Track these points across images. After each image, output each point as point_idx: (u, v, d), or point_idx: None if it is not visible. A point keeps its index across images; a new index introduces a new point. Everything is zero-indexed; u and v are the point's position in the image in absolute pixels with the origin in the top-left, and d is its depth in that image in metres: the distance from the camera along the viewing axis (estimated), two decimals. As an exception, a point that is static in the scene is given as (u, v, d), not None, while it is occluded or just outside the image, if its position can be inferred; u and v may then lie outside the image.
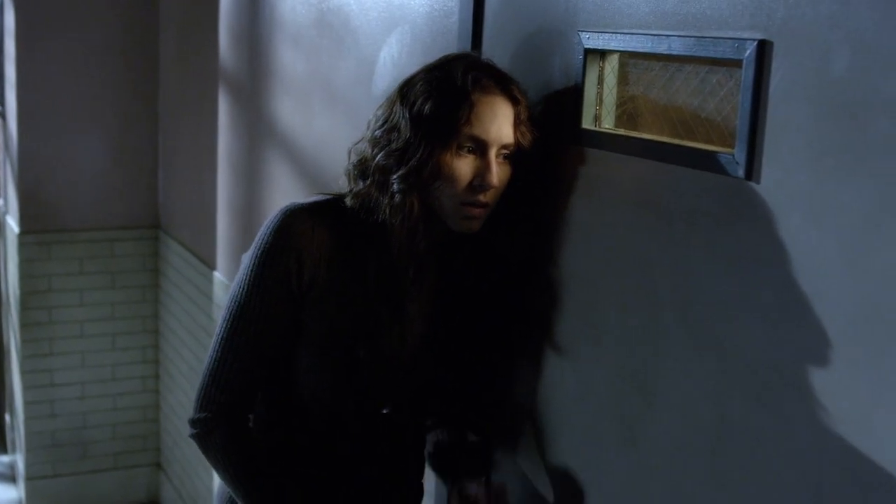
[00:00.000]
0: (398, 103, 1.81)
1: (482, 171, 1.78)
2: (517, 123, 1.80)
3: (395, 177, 1.79)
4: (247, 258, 1.88)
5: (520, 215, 1.90)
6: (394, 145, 1.79)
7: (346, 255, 1.88)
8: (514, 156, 1.82)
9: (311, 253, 1.84)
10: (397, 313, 1.91)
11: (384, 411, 1.98)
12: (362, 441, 1.99)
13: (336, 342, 1.89)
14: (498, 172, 1.79)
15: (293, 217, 1.85)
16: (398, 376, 1.96)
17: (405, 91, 1.82)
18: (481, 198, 1.79)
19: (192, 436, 1.91)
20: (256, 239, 1.87)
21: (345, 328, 1.88)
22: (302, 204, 1.89)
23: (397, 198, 1.80)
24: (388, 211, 1.81)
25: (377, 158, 1.82)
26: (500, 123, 1.78)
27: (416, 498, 2.18)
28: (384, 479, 2.05)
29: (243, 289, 1.86)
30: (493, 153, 1.78)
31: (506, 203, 1.86)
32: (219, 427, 1.88)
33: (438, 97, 1.77)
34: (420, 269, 1.90)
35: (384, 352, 1.92)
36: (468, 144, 1.77)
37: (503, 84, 1.80)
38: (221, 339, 1.87)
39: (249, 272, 1.86)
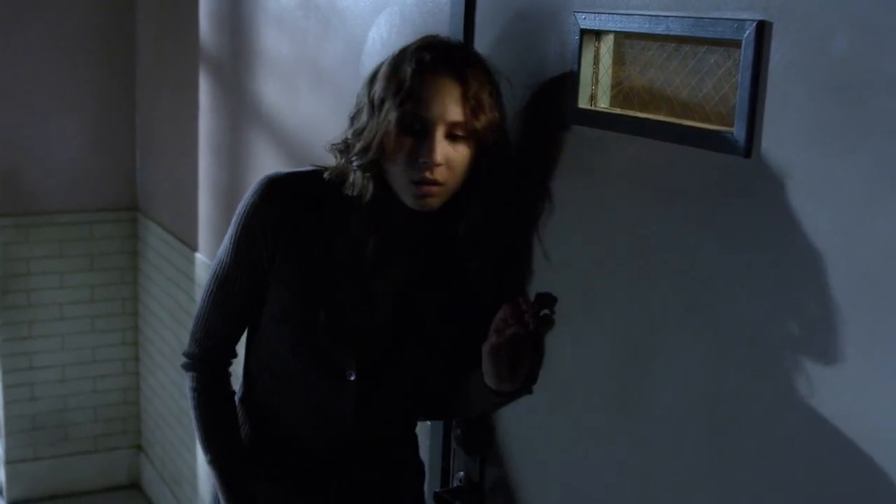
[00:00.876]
0: (366, 86, 1.91)
1: (425, 149, 1.82)
2: (465, 102, 1.82)
3: (352, 155, 1.89)
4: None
5: (490, 196, 1.94)
6: (357, 125, 1.90)
7: (316, 224, 1.98)
8: (475, 137, 1.84)
9: (280, 220, 1.97)
10: (357, 283, 1.99)
11: (351, 378, 2.03)
12: (327, 406, 2.06)
13: (298, 304, 2.00)
14: (443, 150, 1.82)
15: (269, 186, 1.99)
16: (362, 344, 2.02)
17: (373, 75, 1.92)
18: (428, 174, 1.83)
19: (181, 365, 2.14)
20: (239, 205, 2.02)
21: (307, 292, 1.99)
22: (281, 174, 2.02)
23: (356, 174, 1.90)
24: (350, 187, 1.92)
25: (347, 137, 1.93)
26: (444, 102, 1.81)
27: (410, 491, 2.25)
28: (357, 454, 2.11)
29: (225, 251, 2.04)
30: (438, 131, 1.82)
31: (475, 184, 1.90)
32: (200, 363, 2.11)
33: (389, 78, 1.85)
34: (386, 244, 1.97)
35: (345, 318, 1.99)
36: (414, 124, 1.83)
37: (451, 63, 1.83)
38: (207, 292, 2.07)
39: (230, 236, 2.03)
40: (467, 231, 1.94)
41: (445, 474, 2.30)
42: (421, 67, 1.82)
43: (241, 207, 2.01)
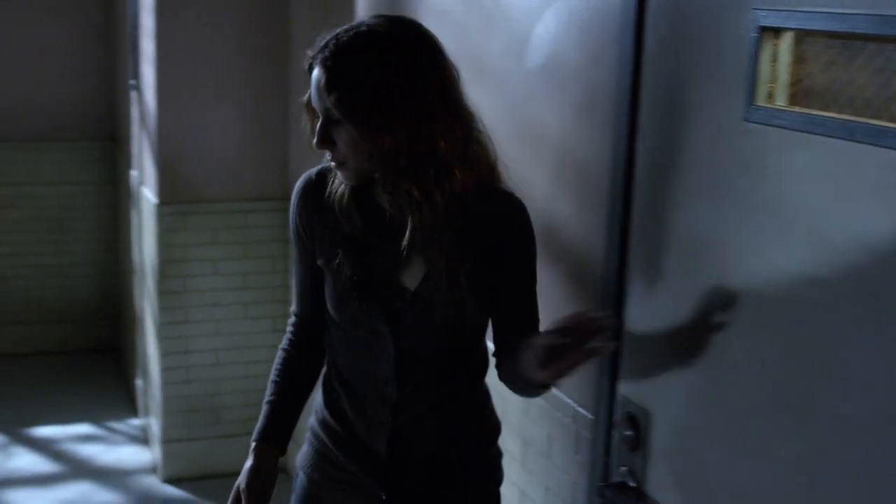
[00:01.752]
0: None
1: None
2: (327, 89, 1.99)
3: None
4: None
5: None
6: None
7: (342, 205, 2.14)
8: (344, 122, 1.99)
9: (312, 210, 2.18)
10: (374, 252, 2.12)
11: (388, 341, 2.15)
12: (373, 368, 2.18)
13: (331, 277, 2.16)
14: (322, 134, 2.03)
15: (302, 180, 2.23)
16: (395, 308, 2.13)
17: None
18: (326, 156, 2.08)
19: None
20: None
21: (337, 266, 2.13)
22: (313, 170, 2.23)
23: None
24: (329, 171, 2.17)
25: None
26: (315, 90, 2.03)
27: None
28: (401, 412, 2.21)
29: (290, 239, 2.29)
30: (321, 117, 2.03)
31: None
32: (291, 327, 2.37)
33: None
34: (380, 216, 2.09)
35: (373, 285, 2.12)
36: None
37: (323, 54, 2.00)
38: (292, 273, 2.35)
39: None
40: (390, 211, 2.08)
41: (606, 468, 2.31)
42: (309, 62, 2.04)
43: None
